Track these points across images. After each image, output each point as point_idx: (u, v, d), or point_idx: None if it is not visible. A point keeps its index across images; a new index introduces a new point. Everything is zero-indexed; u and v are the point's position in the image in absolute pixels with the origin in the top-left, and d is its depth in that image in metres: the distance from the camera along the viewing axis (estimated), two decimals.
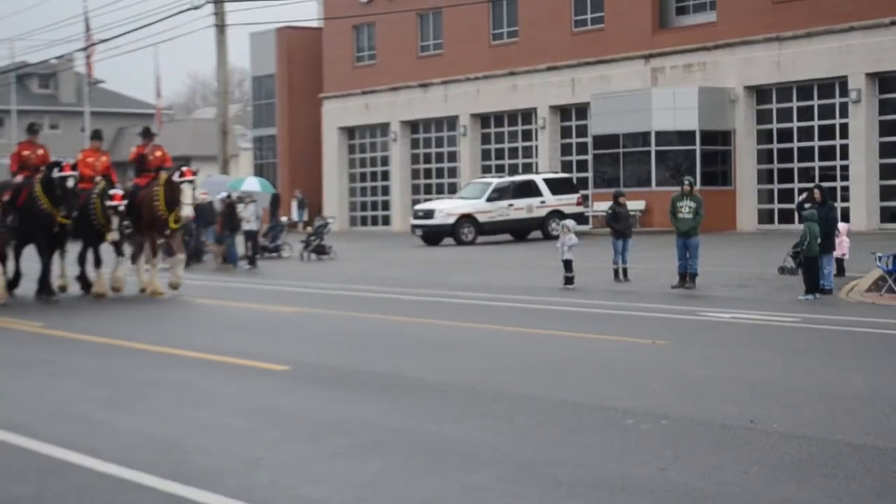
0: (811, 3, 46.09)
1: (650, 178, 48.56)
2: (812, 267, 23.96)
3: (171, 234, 26.83)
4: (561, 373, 14.59)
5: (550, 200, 47.73)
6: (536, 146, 57.16)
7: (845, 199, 44.51)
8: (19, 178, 25.31)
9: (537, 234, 47.94)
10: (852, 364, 15.17)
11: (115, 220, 25.12)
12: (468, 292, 26.32)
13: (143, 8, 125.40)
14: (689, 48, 50.32)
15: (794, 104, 47.54)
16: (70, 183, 24.31)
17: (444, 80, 60.88)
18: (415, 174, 64.48)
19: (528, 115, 57.69)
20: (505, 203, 47.18)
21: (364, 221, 67.57)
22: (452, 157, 62.05)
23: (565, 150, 56.29)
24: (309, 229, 46.88)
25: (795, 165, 47.53)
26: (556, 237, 46.72)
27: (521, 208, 47.41)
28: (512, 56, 57.49)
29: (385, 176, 65.87)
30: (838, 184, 44.93)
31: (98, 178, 25.75)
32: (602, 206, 41.41)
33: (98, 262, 26.30)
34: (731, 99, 48.58)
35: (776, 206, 48.32)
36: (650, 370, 14.59)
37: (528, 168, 56.15)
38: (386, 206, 65.81)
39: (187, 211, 26.13)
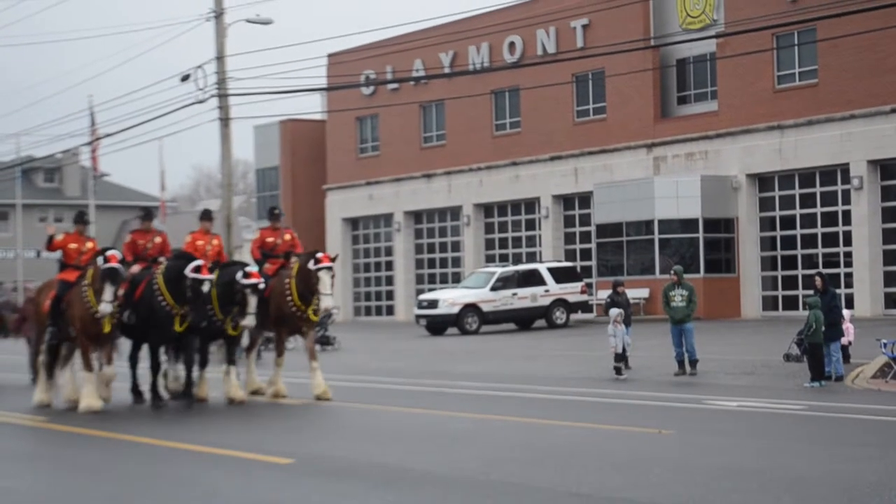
0: (811, 91, 46.40)
1: (654, 266, 48.60)
2: (817, 354, 23.91)
3: (306, 330, 23.47)
4: (567, 464, 14.51)
5: (554, 289, 47.71)
6: (540, 235, 57.28)
7: (849, 285, 44.49)
8: (135, 270, 22.34)
9: (541, 322, 47.88)
10: (860, 452, 15.08)
11: (252, 302, 21.81)
12: (473, 382, 26.24)
13: (147, 102, 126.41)
14: (690, 137, 50.58)
15: (797, 191, 47.69)
16: (205, 288, 21.44)
17: (448, 170, 61.15)
18: (419, 264, 64.56)
19: (531, 204, 57.88)
20: (509, 292, 47.18)
21: (368, 311, 67.53)
22: (456, 246, 62.17)
23: (569, 238, 56.41)
24: None
25: (799, 252, 47.57)
26: (560, 326, 47.12)
27: (525, 297, 47.39)
28: (514, 146, 57.80)
29: (389, 266, 65.94)
30: (842, 270, 44.94)
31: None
32: (606, 295, 41.37)
33: (205, 362, 22.99)
34: (733, 187, 48.75)
35: (780, 292, 48.29)
36: (657, 460, 14.50)
37: (531, 257, 56.22)
38: (390, 296, 65.82)
39: (328, 302, 22.74)
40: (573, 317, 48.53)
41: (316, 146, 70.07)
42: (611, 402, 21.67)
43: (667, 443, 16.23)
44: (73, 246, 22.57)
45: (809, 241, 47.30)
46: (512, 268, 49.02)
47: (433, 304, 47.62)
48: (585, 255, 54.83)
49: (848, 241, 45.54)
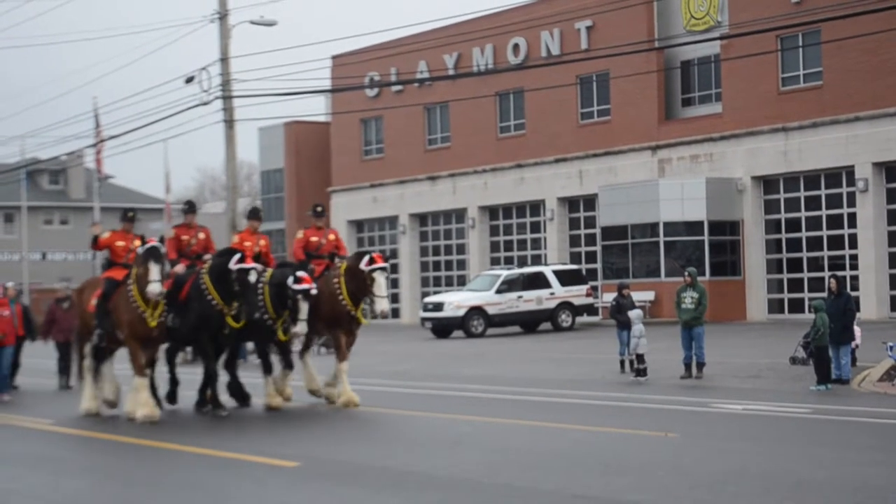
0: (816, 93, 46.37)
1: (659, 268, 48.57)
2: (823, 357, 23.85)
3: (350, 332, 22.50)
4: (572, 467, 14.48)
5: (560, 292, 47.68)
6: (545, 238, 57.27)
7: (854, 288, 44.41)
8: (180, 268, 21.47)
9: (547, 325, 47.86)
10: (866, 456, 15.05)
11: (304, 308, 20.94)
12: (478, 385, 26.21)
13: (152, 104, 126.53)
14: (695, 139, 50.57)
15: (802, 194, 47.65)
16: (252, 277, 20.49)
17: (452, 172, 61.16)
18: (424, 267, 64.55)
19: (536, 206, 57.86)
20: (514, 295, 47.15)
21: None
22: (461, 249, 62.16)
23: (574, 241, 56.39)
24: None
25: (804, 255, 47.52)
26: (566, 329, 47.11)
27: (530, 300, 47.37)
28: (519, 148, 57.80)
29: (394, 269, 65.84)
30: (847, 273, 44.86)
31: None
32: (612, 298, 41.36)
33: (268, 368, 22.29)
34: (738, 189, 48.71)
35: (786, 295, 48.24)
36: (662, 464, 14.48)
37: (536, 260, 56.20)
38: (395, 298, 65.80)
39: (384, 305, 21.94)
40: (579, 320, 48.53)
41: (320, 148, 70.12)
42: (616, 406, 21.64)
43: (672, 446, 16.20)
44: (119, 244, 21.70)
45: (815, 243, 47.25)
46: (517, 270, 48.98)
47: (438, 306, 47.61)
48: (591, 257, 54.80)
49: (853, 244, 45.49)
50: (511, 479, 13.60)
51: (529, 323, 47.99)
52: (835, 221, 46.51)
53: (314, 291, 21.13)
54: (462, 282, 58.65)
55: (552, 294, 47.61)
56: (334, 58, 63.80)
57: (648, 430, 17.65)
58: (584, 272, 50.91)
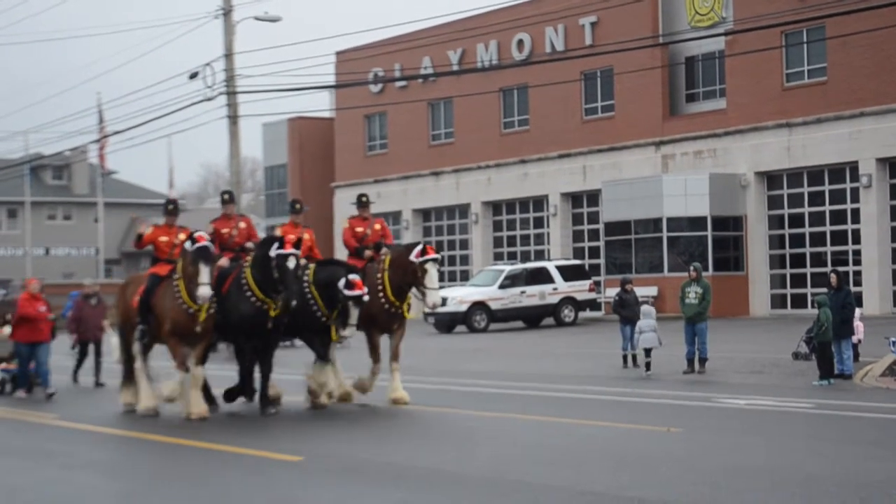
0: (820, 89, 46.36)
1: (662, 264, 48.58)
2: (826, 352, 23.89)
3: (396, 328, 21.81)
4: (578, 462, 14.53)
5: (563, 287, 47.69)
6: (548, 233, 57.29)
7: (857, 283, 44.41)
8: (224, 262, 20.66)
9: (550, 320, 47.88)
10: (870, 451, 15.08)
11: (354, 313, 20.22)
12: (481, 380, 26.25)
13: (156, 100, 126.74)
14: (699, 135, 50.56)
15: (805, 189, 47.65)
16: (291, 263, 19.54)
17: (456, 168, 61.18)
18: None
19: (539, 202, 57.89)
20: (517, 290, 47.17)
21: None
22: (464, 244, 62.18)
23: (577, 236, 56.42)
24: None
25: (808, 250, 47.52)
26: (569, 324, 47.14)
27: (533, 295, 47.38)
28: (523, 144, 57.81)
29: None
30: (850, 268, 44.87)
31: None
32: (615, 293, 41.40)
33: (325, 358, 21.33)
34: (741, 185, 48.72)
35: (789, 291, 48.26)
36: (665, 459, 14.52)
37: (539, 255, 56.21)
38: None
39: (436, 297, 20.95)
40: (581, 315, 48.55)
41: (324, 144, 70.13)
42: (619, 401, 21.67)
43: (675, 441, 16.24)
44: (163, 239, 20.78)
45: (818, 239, 47.26)
46: (520, 266, 49.00)
47: (442, 301, 47.57)
48: (594, 252, 54.83)
49: (857, 240, 45.50)
50: (519, 474, 13.64)
51: (532, 318, 48.00)
52: (838, 217, 46.51)
53: (366, 298, 20.30)
54: (465, 277, 58.67)
55: (555, 289, 47.62)
56: (338, 54, 63.78)
57: (652, 425, 17.70)
58: (587, 267, 50.92)
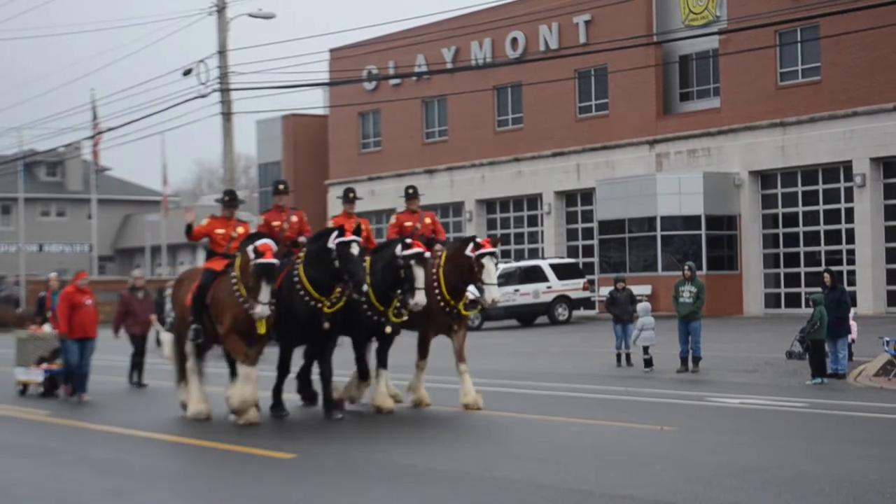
0: (814, 88, 46.37)
1: (656, 262, 48.58)
2: (819, 351, 23.86)
3: (456, 329, 20.66)
4: (569, 460, 14.49)
5: (556, 286, 47.68)
6: (542, 231, 57.29)
7: (852, 283, 44.41)
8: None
9: (543, 319, 47.87)
10: (862, 450, 15.06)
11: (420, 275, 19.06)
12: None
13: (149, 96, 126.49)
14: (693, 134, 50.57)
15: (799, 189, 47.67)
16: (355, 250, 18.23)
17: (450, 166, 61.18)
18: None
19: (533, 200, 57.88)
20: (511, 288, 47.10)
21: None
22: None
23: (571, 235, 56.41)
24: None
25: (801, 250, 47.54)
26: (563, 322, 47.11)
27: (527, 293, 47.36)
28: (517, 142, 57.80)
29: None
30: (844, 268, 44.89)
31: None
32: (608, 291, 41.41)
33: (364, 374, 20.51)
34: (735, 184, 48.72)
35: (783, 290, 48.28)
36: (658, 457, 14.49)
37: (533, 253, 56.20)
38: None
39: (495, 293, 19.84)
40: (575, 313, 48.55)
41: (318, 141, 70.11)
42: (612, 399, 21.64)
43: (668, 439, 16.22)
44: (220, 231, 19.44)
45: (812, 238, 47.29)
46: (514, 264, 48.98)
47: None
48: (588, 251, 54.83)
49: (851, 239, 45.52)
50: (510, 472, 13.62)
51: (526, 316, 47.98)
52: (832, 216, 46.53)
53: (428, 254, 19.27)
54: None
55: (549, 288, 47.61)
56: (332, 51, 63.79)
57: (645, 423, 17.67)
58: (581, 266, 50.94)
